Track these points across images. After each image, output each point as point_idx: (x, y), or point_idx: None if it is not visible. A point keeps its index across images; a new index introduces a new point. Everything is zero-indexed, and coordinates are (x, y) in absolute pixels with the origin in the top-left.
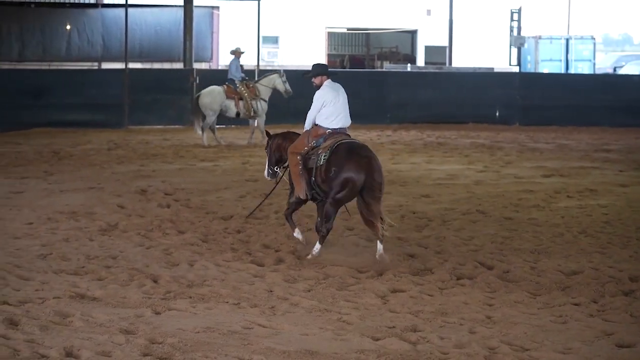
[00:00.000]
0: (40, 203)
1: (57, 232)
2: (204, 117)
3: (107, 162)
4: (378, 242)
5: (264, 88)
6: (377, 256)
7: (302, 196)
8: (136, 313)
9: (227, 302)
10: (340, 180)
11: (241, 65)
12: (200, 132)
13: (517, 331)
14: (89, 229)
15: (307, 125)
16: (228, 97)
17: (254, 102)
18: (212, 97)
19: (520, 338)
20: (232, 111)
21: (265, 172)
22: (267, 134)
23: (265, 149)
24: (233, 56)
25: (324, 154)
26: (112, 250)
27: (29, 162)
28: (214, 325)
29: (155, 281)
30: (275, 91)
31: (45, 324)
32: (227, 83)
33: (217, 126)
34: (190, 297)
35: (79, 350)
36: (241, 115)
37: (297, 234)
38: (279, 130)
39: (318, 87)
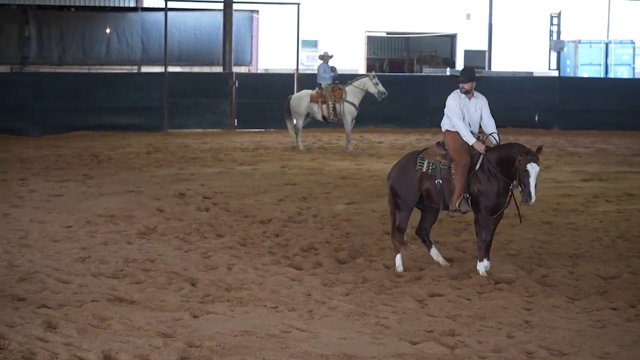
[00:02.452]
0: (80, 206)
1: (96, 235)
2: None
3: (146, 166)
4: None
5: (352, 90)
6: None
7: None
8: (174, 316)
9: (265, 306)
10: None
11: (333, 68)
12: (294, 135)
13: (555, 336)
14: (128, 232)
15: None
16: (312, 100)
17: (338, 105)
18: (298, 100)
19: (558, 342)
20: (317, 114)
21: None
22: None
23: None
24: (321, 61)
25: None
26: (151, 253)
27: (69, 166)
28: (252, 329)
29: (193, 284)
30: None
31: (83, 327)
32: (317, 87)
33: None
34: (229, 301)
35: (117, 354)
36: (326, 118)
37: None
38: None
39: (468, 91)
